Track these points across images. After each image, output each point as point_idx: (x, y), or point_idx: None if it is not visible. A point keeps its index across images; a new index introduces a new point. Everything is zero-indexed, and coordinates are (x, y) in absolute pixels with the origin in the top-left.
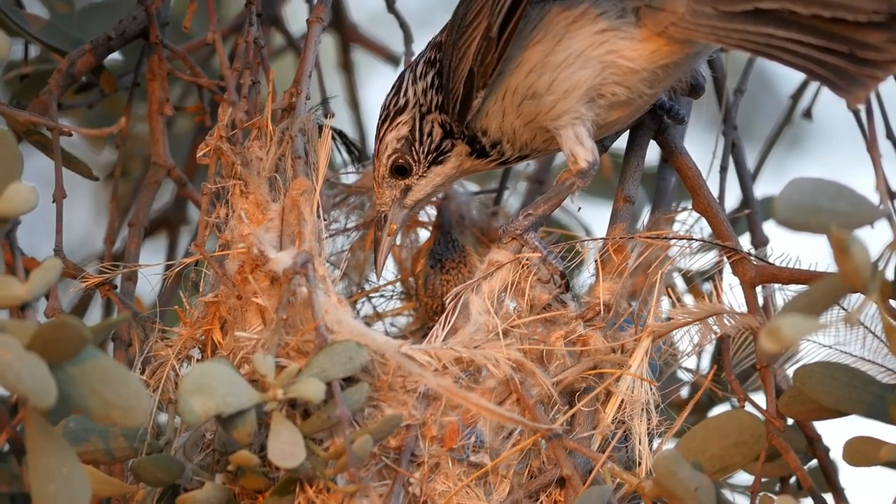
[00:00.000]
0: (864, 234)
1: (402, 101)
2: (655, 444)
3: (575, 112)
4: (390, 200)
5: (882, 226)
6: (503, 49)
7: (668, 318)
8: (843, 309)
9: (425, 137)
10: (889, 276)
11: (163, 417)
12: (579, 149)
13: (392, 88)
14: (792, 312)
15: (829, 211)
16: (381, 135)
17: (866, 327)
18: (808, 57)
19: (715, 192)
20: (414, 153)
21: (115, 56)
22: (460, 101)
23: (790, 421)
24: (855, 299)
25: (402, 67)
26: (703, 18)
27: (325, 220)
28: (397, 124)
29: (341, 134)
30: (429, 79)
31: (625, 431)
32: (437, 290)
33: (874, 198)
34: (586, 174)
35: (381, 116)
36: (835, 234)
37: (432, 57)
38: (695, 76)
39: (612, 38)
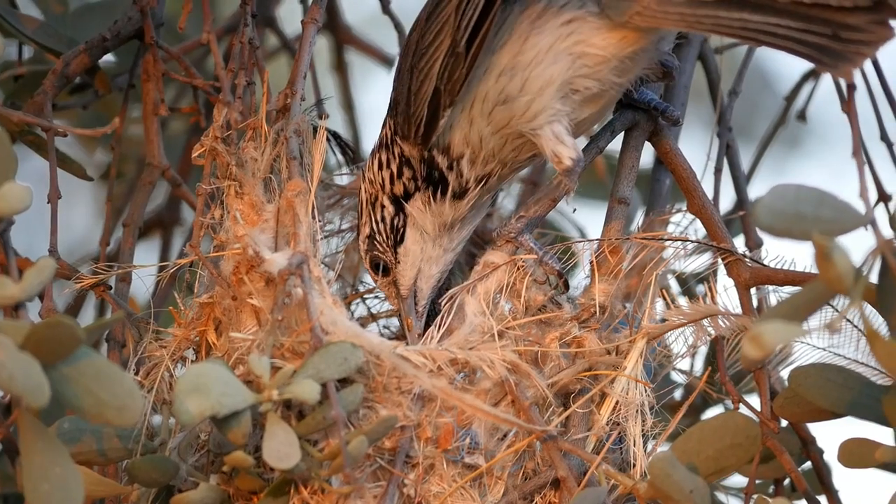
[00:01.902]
0: (852, 238)
1: (359, 209)
2: (650, 445)
3: (551, 109)
4: (394, 298)
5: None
6: (472, 63)
7: (663, 320)
8: (836, 310)
9: (380, 224)
10: (873, 280)
11: (157, 418)
12: (561, 148)
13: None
14: (775, 318)
15: (811, 218)
16: (360, 251)
17: (859, 329)
18: (789, 38)
19: (709, 194)
20: (379, 245)
21: (110, 57)
22: (424, 122)
23: (783, 422)
24: (845, 301)
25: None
26: (671, 6)
27: (319, 221)
28: (361, 228)
29: (336, 135)
30: (375, 164)
31: (619, 433)
32: None
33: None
34: (572, 172)
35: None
36: (816, 240)
37: (381, 142)
38: (664, 60)
39: (578, 28)
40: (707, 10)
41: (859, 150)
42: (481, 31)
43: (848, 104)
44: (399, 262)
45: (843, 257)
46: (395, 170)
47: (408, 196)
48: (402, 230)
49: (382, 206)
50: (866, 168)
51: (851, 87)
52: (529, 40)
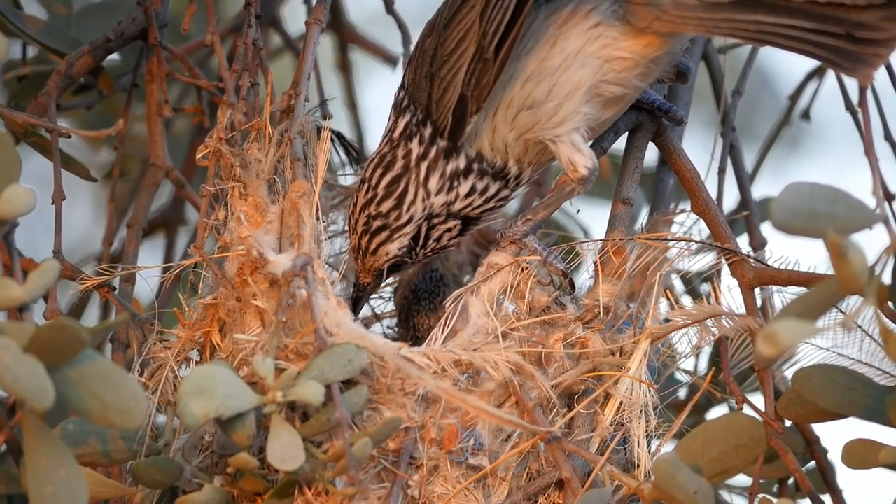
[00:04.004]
0: (861, 237)
1: (405, 217)
2: (654, 446)
3: (579, 114)
4: (371, 280)
5: (880, 229)
6: (500, 69)
7: (667, 320)
8: (842, 312)
9: (430, 242)
10: (886, 279)
11: (161, 419)
12: (578, 156)
13: (391, 195)
14: (789, 317)
15: (826, 215)
16: (375, 244)
17: (864, 330)
18: (805, 40)
19: (713, 194)
20: (413, 253)
21: (114, 57)
22: (449, 129)
23: (788, 422)
24: (853, 301)
25: (400, 69)
26: (688, 10)
27: (323, 222)
28: (400, 236)
29: (339, 135)
30: (461, 189)
31: (623, 434)
32: (409, 321)
33: (871, 200)
34: (587, 181)
35: (376, 223)
36: (831, 238)
37: (457, 167)
38: (680, 62)
39: (605, 32)
40: (724, 14)
41: (871, 148)
42: (510, 36)
43: (861, 102)
44: (416, 265)
45: (857, 255)
46: (492, 193)
47: (476, 220)
48: (446, 249)
49: (448, 230)
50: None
51: (864, 87)
52: (557, 45)
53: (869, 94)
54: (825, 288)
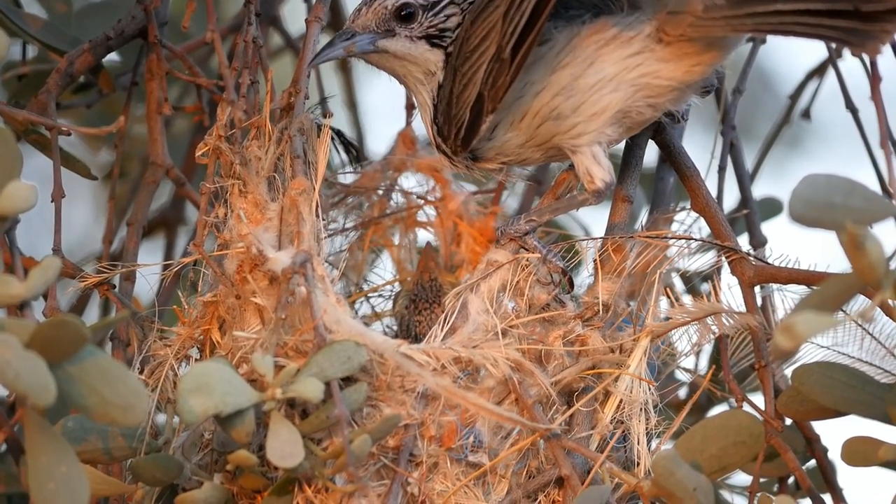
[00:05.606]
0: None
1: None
2: (654, 443)
3: (598, 132)
4: (365, 27)
5: (884, 225)
6: (516, 71)
7: (667, 318)
8: (843, 312)
9: (440, 15)
10: None
11: (161, 417)
12: (596, 168)
13: None
14: (806, 310)
15: (842, 207)
16: None
17: (864, 328)
18: (820, 25)
19: (713, 192)
20: (421, 16)
21: (114, 56)
22: (466, 126)
23: (788, 421)
24: (857, 301)
25: None
26: (716, 11)
27: (323, 219)
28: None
29: (339, 134)
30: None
31: (623, 431)
32: (410, 332)
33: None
34: (602, 194)
35: None
36: (850, 229)
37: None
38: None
39: (646, 61)
40: (746, 9)
41: (886, 141)
42: (528, 39)
43: (874, 94)
44: (411, 43)
45: (875, 246)
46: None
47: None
48: (444, 49)
49: (449, 18)
50: (872, 165)
51: (877, 78)
52: (594, 66)
53: (866, 93)
54: (842, 280)
